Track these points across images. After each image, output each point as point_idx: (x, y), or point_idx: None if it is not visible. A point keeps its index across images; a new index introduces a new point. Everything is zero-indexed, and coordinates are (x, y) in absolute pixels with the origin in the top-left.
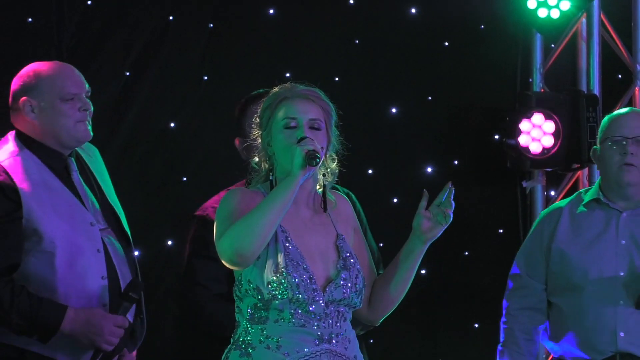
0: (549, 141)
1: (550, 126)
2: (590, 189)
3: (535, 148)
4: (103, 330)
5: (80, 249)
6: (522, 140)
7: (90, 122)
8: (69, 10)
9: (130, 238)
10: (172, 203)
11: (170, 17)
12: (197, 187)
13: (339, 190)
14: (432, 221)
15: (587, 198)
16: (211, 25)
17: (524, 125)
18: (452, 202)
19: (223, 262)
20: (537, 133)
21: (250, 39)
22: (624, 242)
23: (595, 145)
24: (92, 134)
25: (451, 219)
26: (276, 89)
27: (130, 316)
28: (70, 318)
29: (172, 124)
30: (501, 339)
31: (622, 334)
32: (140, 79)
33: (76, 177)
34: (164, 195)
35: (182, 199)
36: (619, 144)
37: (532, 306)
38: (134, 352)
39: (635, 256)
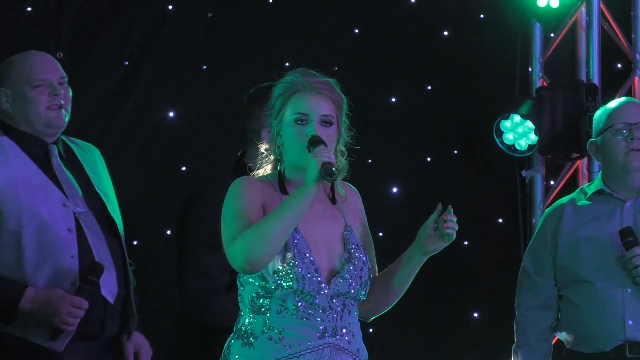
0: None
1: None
2: (592, 183)
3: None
4: (59, 310)
5: (49, 227)
6: (507, 138)
7: (67, 109)
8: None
9: (118, 225)
10: (171, 192)
11: (169, 7)
12: (196, 176)
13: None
14: (436, 234)
15: (590, 191)
16: (210, 14)
17: (504, 124)
18: (456, 223)
19: (233, 267)
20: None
21: (249, 28)
22: None
23: (591, 138)
24: (66, 120)
25: (454, 239)
26: (290, 77)
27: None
28: (29, 297)
29: (171, 114)
30: (515, 339)
31: (630, 322)
32: (139, 69)
33: (56, 162)
34: (162, 185)
35: (181, 188)
36: (623, 131)
37: (543, 304)
38: (143, 338)
39: None
